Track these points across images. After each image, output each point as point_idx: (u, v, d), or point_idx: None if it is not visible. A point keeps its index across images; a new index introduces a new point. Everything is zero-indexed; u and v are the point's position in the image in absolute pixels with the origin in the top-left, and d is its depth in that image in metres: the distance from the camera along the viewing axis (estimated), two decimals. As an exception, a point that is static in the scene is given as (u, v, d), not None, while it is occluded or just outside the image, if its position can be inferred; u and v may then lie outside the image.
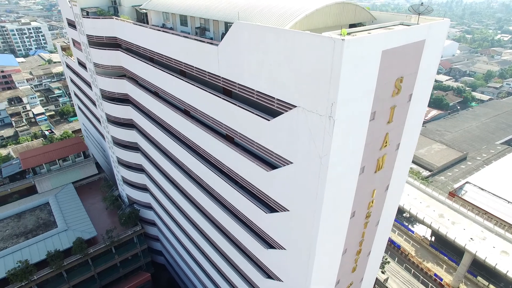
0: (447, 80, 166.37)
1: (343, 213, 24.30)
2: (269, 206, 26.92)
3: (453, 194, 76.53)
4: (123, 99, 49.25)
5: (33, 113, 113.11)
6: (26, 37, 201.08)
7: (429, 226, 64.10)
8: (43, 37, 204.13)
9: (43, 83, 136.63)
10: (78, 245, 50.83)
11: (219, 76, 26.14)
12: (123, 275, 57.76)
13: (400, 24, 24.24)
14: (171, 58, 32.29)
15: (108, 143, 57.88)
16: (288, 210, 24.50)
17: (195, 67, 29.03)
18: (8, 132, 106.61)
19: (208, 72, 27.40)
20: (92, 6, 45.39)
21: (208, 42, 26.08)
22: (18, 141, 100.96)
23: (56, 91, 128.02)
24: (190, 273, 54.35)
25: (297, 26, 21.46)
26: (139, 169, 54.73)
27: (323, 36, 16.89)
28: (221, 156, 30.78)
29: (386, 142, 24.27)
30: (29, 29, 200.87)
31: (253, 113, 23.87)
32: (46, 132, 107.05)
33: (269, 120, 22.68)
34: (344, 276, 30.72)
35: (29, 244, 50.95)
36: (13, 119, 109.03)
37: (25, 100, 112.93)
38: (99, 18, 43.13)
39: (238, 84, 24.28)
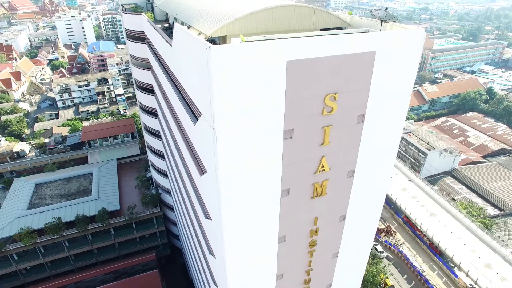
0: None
1: (263, 235, 22.31)
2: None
3: (521, 244, 62.43)
4: (151, 90, 53.18)
5: (114, 94, 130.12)
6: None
7: (466, 274, 53.54)
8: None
9: (128, 68, 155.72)
10: (101, 214, 57.25)
11: (175, 75, 26.40)
12: (136, 250, 63.01)
13: (364, 32, 20.89)
14: (160, 55, 33.71)
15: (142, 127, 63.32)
16: (211, 219, 23.61)
17: (170, 66, 29.79)
18: (93, 107, 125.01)
19: (172, 71, 27.89)
20: (131, 3, 49.97)
21: (169, 43, 26.47)
22: (98, 116, 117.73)
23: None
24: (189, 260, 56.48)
25: (223, 30, 20.24)
26: (161, 155, 58.58)
27: (200, 41, 15.69)
28: (186, 157, 31.05)
29: (322, 167, 21.31)
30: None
31: (187, 114, 23.51)
32: (122, 112, 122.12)
33: (194, 124, 22.09)
34: (289, 303, 28.21)
35: (66, 205, 59.47)
36: (98, 97, 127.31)
37: (110, 81, 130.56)
38: (132, 14, 47.31)
39: (182, 85, 24.19)
